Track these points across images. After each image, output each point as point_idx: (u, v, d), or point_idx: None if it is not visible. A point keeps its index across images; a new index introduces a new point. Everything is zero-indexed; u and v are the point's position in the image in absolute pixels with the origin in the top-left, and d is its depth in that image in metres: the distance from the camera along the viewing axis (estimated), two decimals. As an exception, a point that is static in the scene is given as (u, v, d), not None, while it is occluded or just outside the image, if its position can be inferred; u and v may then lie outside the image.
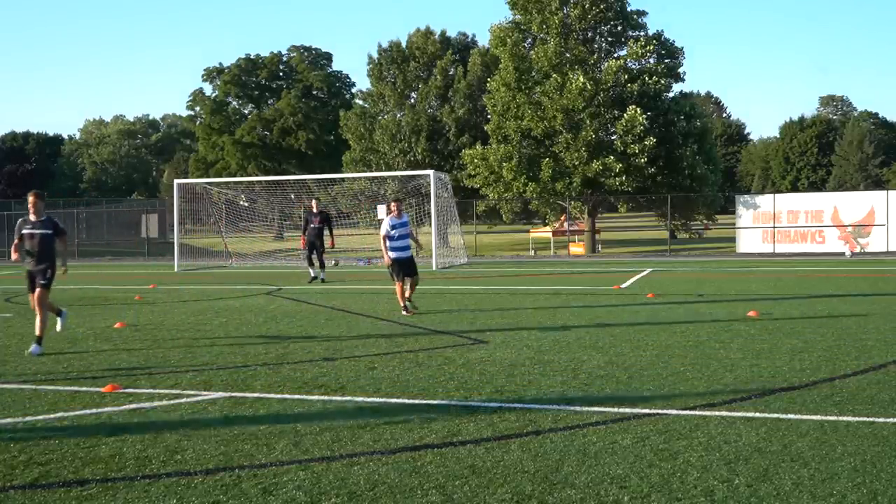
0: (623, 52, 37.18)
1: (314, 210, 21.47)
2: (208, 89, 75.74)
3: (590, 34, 37.18)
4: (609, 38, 37.87)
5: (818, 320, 11.56)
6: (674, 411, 6.47)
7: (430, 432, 6.02)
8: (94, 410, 6.89)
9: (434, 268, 25.94)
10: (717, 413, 6.41)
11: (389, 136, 43.63)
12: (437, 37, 46.40)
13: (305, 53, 75.97)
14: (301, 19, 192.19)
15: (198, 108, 75.95)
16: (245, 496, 4.77)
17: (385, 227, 13.33)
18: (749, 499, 4.58)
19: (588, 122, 34.71)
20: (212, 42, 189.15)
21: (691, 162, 35.31)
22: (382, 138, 43.83)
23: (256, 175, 63.06)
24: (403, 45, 46.12)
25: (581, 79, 34.24)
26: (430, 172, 27.54)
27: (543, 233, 39.04)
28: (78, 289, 19.96)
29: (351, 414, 6.62)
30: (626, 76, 35.08)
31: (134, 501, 4.73)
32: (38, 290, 10.29)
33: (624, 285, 18.21)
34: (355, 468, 5.22)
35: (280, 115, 70.66)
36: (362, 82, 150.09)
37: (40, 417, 6.69)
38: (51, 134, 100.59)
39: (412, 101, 45.74)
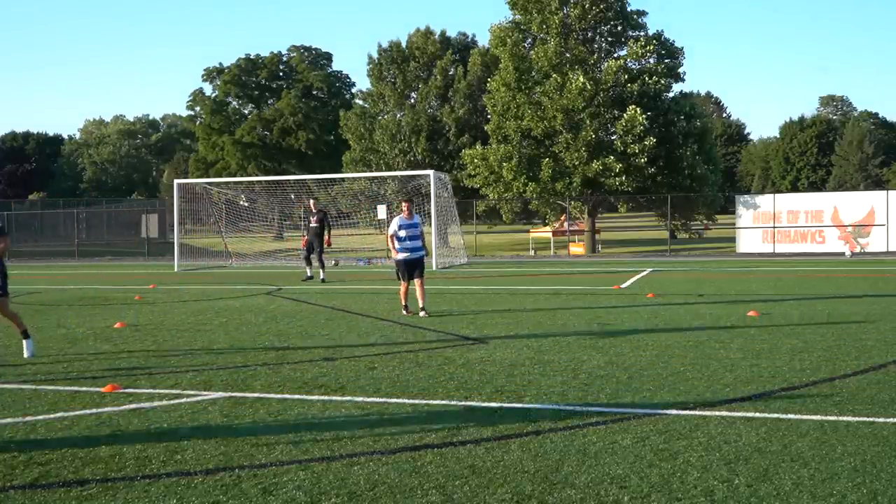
0: (623, 52, 37.16)
1: (313, 210, 21.72)
2: (208, 89, 75.74)
3: (590, 34, 37.17)
4: (609, 38, 37.85)
5: (818, 320, 11.56)
6: (674, 411, 6.47)
7: (430, 432, 6.02)
8: (94, 410, 6.89)
9: (434, 268, 25.94)
10: (717, 413, 6.41)
11: (389, 136, 43.63)
12: (437, 37, 46.38)
13: (305, 53, 75.98)
14: (301, 19, 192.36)
15: (198, 108, 75.93)
16: (245, 496, 4.78)
17: (393, 227, 13.28)
18: (749, 499, 4.58)
19: (588, 122, 34.70)
20: (212, 42, 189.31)
21: (691, 162, 35.30)
22: (382, 138, 43.83)
23: (256, 175, 63.07)
24: (403, 45, 46.11)
25: (581, 79, 34.23)
26: (430, 172, 27.54)
27: (543, 233, 39.03)
28: (78, 289, 19.96)
29: (351, 414, 6.62)
30: (626, 76, 35.07)
31: (134, 501, 4.73)
32: None
33: (624, 285, 18.21)
34: (355, 468, 5.22)
35: (280, 115, 70.66)
36: (362, 82, 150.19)
37: (40, 417, 6.69)
38: (51, 134, 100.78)
39: (412, 101, 45.73)
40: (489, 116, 39.25)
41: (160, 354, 9.68)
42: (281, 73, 76.16)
